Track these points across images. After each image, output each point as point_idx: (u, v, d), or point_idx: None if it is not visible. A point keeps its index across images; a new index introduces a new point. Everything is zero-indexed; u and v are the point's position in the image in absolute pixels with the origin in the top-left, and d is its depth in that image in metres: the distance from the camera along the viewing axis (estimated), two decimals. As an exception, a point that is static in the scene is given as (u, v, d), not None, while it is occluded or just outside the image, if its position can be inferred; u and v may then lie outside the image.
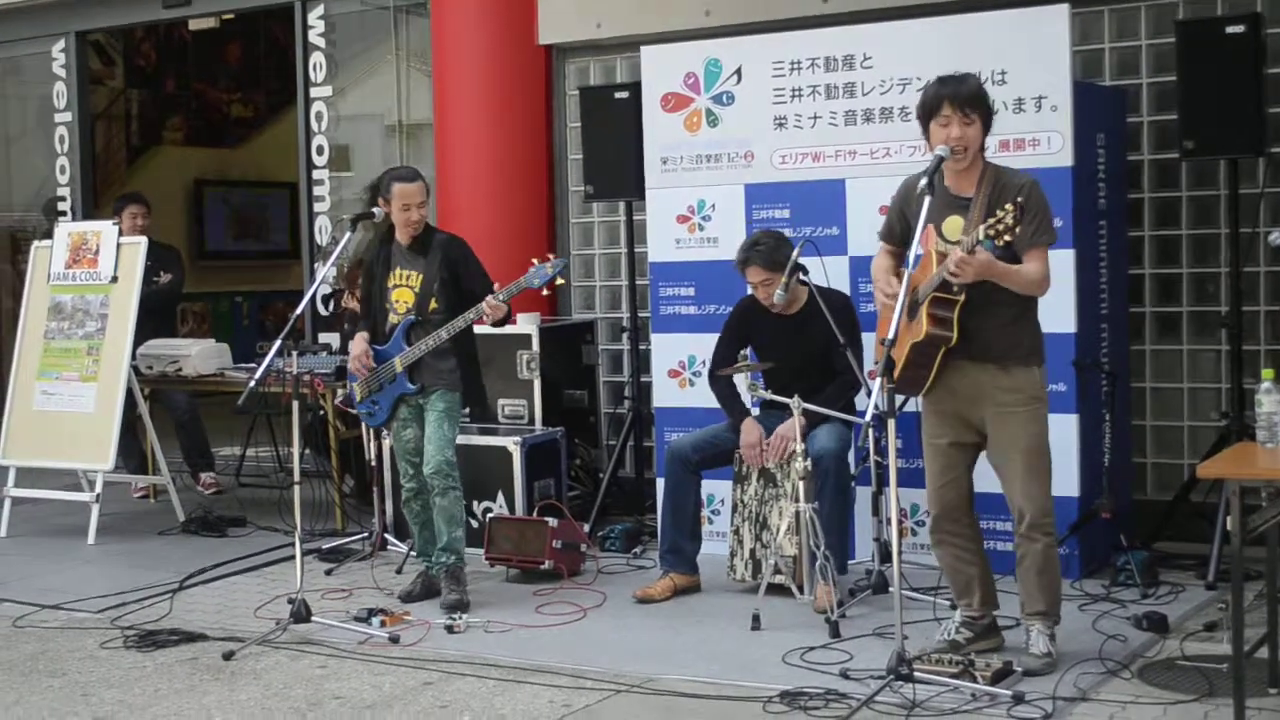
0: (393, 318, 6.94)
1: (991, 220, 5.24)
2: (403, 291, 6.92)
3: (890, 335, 5.25)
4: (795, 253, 6.60)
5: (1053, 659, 5.56)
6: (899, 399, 5.69)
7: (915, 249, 5.39)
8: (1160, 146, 7.68)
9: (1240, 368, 7.10)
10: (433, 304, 6.84)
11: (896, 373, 5.49)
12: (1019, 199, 5.29)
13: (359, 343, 7.01)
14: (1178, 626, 6.08)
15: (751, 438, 6.83)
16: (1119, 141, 7.41)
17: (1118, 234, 7.35)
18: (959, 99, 5.52)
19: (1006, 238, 5.24)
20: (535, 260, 6.72)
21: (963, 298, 5.44)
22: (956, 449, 5.69)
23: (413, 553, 7.38)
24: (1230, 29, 6.88)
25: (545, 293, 6.83)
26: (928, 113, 5.58)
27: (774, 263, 6.69)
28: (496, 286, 6.76)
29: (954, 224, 5.53)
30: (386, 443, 7.81)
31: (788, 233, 7.10)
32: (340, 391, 8.31)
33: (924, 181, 5.38)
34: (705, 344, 7.49)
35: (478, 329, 6.97)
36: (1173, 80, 7.23)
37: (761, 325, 6.93)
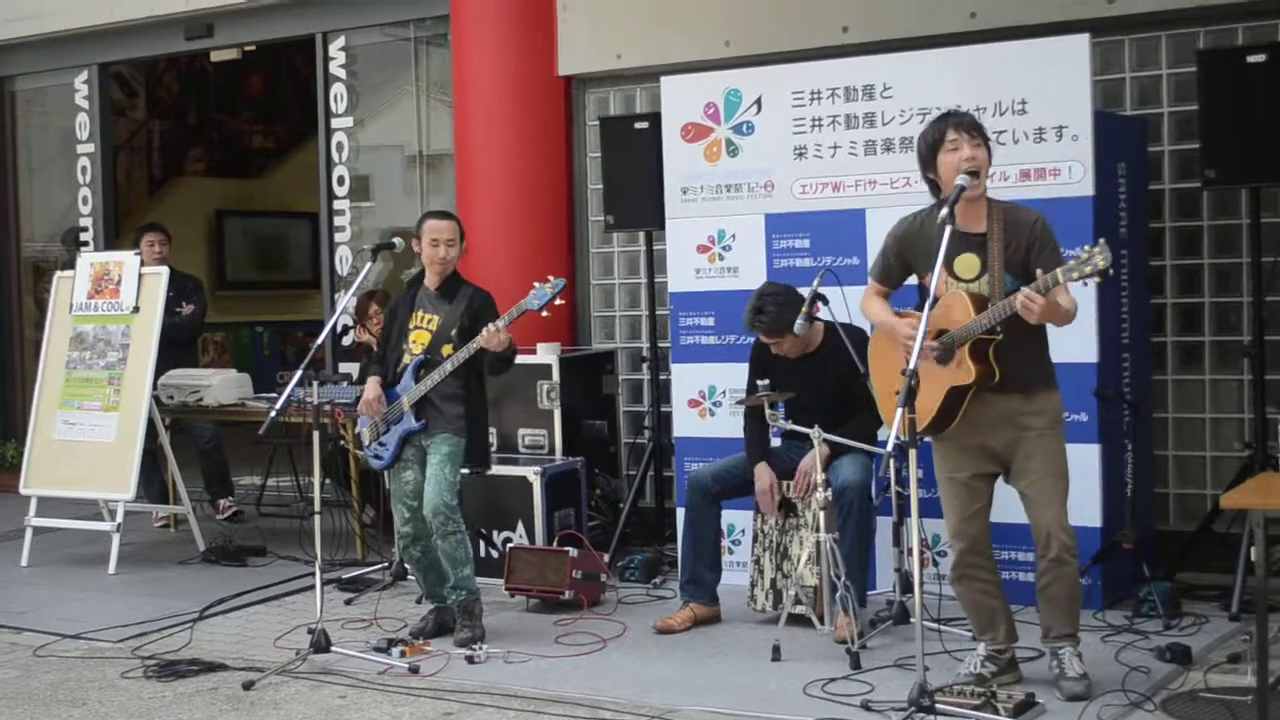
0: (406, 359, 6.83)
1: (1074, 262, 5.18)
2: (420, 334, 6.83)
3: (911, 366, 5.20)
4: (815, 282, 6.58)
5: (1090, 679, 5.54)
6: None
7: (934, 288, 5.38)
8: (1181, 176, 7.67)
9: (1263, 398, 7.07)
10: (446, 349, 6.72)
11: (930, 419, 5.48)
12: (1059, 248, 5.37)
13: (372, 387, 6.87)
14: (1201, 658, 6.04)
15: (764, 484, 6.80)
16: (1140, 171, 7.40)
17: (1139, 263, 7.33)
18: (964, 124, 5.51)
19: (1097, 279, 5.19)
20: (536, 283, 6.58)
21: (1000, 337, 5.41)
22: (980, 480, 5.64)
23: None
24: (1251, 58, 6.87)
25: (545, 314, 6.56)
26: (931, 147, 5.54)
27: (778, 330, 6.67)
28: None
29: (967, 262, 5.49)
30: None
31: (807, 262, 7.08)
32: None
33: (944, 211, 5.32)
34: (725, 374, 7.50)
35: None
36: (1194, 109, 7.22)
37: (777, 363, 6.88)
